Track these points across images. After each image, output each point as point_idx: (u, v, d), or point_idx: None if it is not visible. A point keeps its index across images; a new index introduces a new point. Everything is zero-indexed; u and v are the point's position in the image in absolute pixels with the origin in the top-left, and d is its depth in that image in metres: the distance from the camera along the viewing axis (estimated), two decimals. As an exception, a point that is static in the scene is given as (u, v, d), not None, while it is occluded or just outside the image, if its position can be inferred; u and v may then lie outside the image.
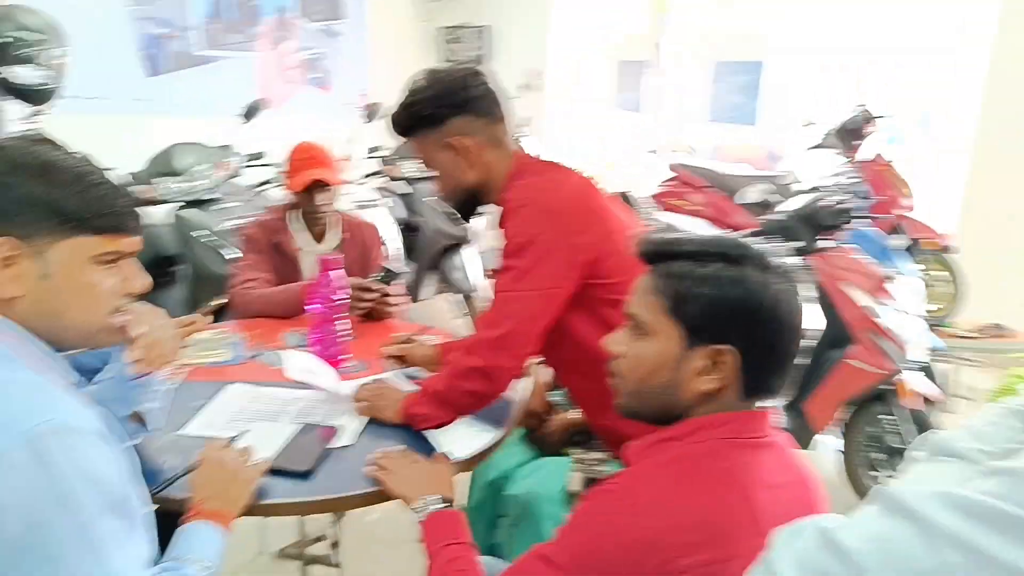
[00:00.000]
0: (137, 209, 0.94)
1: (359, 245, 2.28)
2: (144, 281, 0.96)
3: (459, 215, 1.54)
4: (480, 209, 1.52)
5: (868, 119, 4.05)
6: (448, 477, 1.25)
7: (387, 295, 2.08)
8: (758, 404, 0.95)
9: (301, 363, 1.59)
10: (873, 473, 2.60)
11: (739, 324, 0.89)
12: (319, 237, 2.25)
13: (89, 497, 0.78)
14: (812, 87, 5.69)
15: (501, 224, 1.45)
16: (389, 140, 4.13)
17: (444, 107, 1.41)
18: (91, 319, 0.90)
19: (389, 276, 2.09)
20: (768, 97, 5.96)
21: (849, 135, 4.07)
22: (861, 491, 2.60)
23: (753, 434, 0.92)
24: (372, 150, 4.05)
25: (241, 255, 2.19)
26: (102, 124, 3.77)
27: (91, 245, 0.88)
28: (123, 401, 1.15)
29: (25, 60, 2.77)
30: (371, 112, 3.91)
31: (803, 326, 0.93)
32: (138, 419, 1.19)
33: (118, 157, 3.02)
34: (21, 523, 0.74)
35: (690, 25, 5.51)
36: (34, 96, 2.90)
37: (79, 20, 3.38)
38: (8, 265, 0.83)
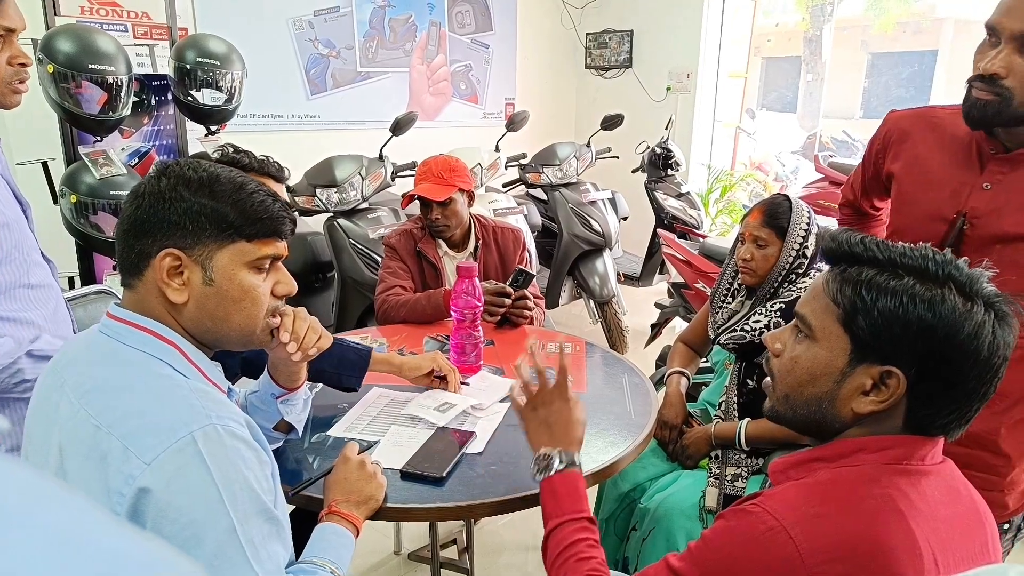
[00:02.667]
0: (290, 214, 0.99)
1: (497, 250, 2.31)
2: (293, 284, 1.02)
3: (985, 120, 1.17)
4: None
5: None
6: (580, 433, 1.15)
7: (522, 298, 2.08)
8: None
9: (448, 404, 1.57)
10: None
11: (918, 350, 0.79)
12: (456, 244, 2.31)
13: (242, 500, 0.83)
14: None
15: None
16: (529, 148, 4.19)
17: None
18: (252, 322, 0.96)
19: (521, 280, 2.08)
20: (942, 88, 5.44)
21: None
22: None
23: (918, 462, 0.83)
24: (512, 159, 4.11)
25: (385, 263, 2.29)
26: (269, 140, 4.11)
27: (248, 251, 0.93)
28: (268, 415, 1.24)
29: (207, 84, 3.07)
30: (514, 121, 3.97)
31: (1002, 368, 0.80)
32: (284, 428, 1.28)
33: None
34: (179, 519, 0.79)
35: (850, 16, 5.13)
36: (214, 117, 3.21)
37: (253, 45, 3.70)
38: (174, 275, 0.90)
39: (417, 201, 2.24)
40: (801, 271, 1.67)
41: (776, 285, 1.68)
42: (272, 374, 1.22)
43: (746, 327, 1.68)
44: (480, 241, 2.30)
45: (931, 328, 0.78)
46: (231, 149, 1.68)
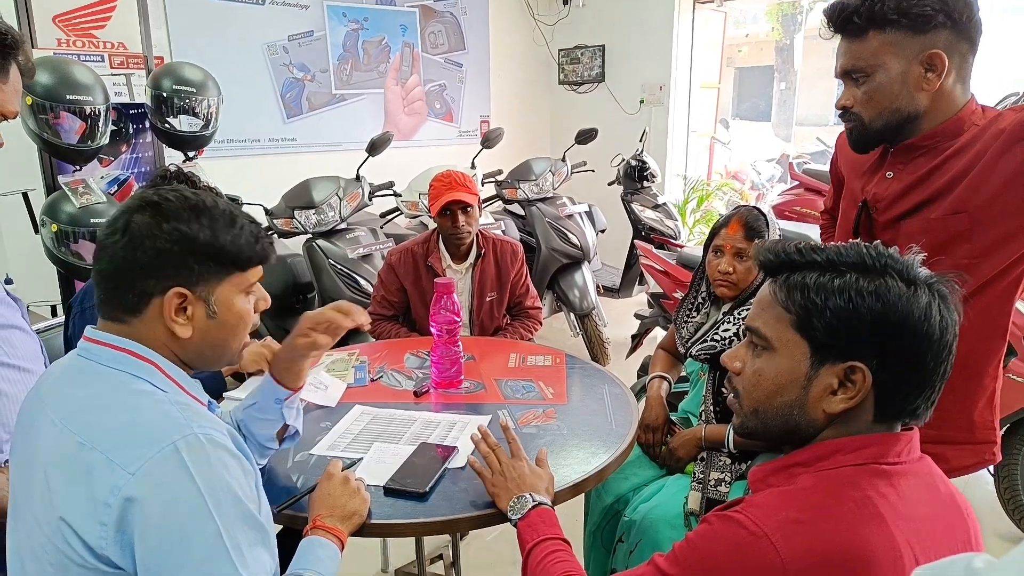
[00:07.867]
0: (270, 238, 1.05)
1: (495, 263, 2.45)
2: (268, 297, 1.08)
3: (858, 143, 1.36)
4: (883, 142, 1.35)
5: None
6: (547, 479, 1.26)
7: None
8: (899, 426, 0.88)
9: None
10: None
11: (875, 341, 0.81)
12: (462, 255, 2.44)
13: (227, 506, 0.85)
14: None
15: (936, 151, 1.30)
16: (505, 165, 4.24)
17: (940, 13, 1.19)
18: (241, 342, 1.03)
19: None
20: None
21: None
22: (1021, 517, 2.36)
23: (894, 459, 0.84)
24: (488, 175, 4.17)
25: (379, 280, 2.47)
26: (247, 165, 4.14)
27: (242, 280, 0.99)
28: (270, 423, 1.27)
29: (184, 111, 3.09)
30: (489, 139, 4.03)
31: (954, 344, 0.84)
32: (283, 433, 1.31)
33: (261, 193, 3.32)
34: (164, 527, 0.82)
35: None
36: (191, 143, 3.23)
37: (228, 71, 3.73)
38: (180, 311, 0.94)
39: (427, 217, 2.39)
40: None
41: (748, 296, 1.71)
42: (277, 376, 1.25)
43: (715, 336, 1.71)
44: (481, 252, 2.43)
45: (884, 317, 0.81)
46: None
